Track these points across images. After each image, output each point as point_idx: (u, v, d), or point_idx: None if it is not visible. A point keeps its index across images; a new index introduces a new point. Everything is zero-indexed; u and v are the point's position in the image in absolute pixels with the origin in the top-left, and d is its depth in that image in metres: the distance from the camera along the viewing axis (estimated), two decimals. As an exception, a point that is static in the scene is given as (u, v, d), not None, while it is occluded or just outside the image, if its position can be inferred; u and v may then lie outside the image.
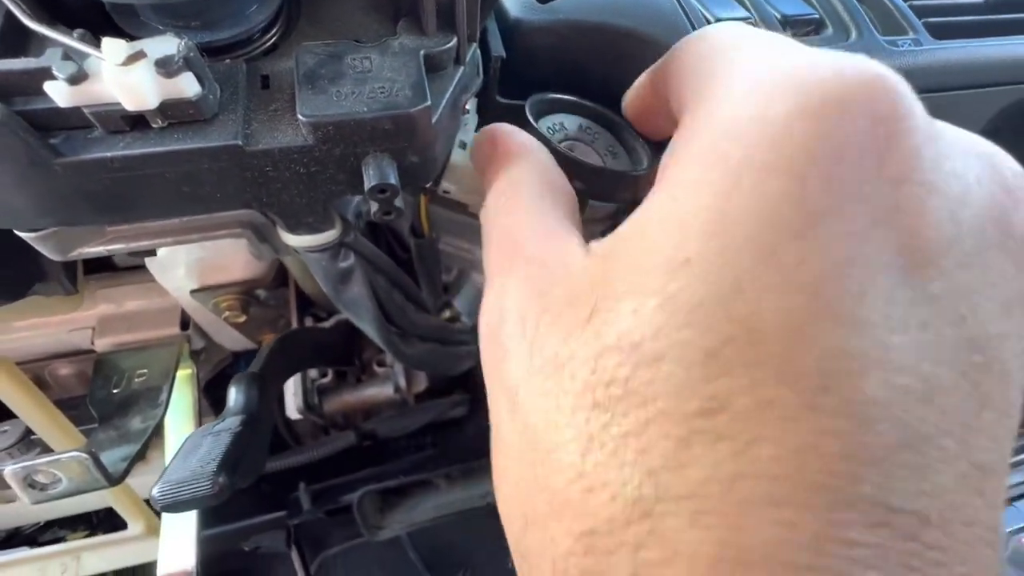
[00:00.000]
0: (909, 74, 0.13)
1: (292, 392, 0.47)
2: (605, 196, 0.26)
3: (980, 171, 0.13)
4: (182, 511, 0.28)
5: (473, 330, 0.40)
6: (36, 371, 0.52)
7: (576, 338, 0.14)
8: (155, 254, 0.37)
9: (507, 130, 0.22)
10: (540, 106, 0.28)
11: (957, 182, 0.13)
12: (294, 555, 0.84)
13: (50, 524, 0.59)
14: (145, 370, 0.48)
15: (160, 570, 0.46)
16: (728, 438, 0.11)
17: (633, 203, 0.26)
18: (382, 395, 0.47)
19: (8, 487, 0.53)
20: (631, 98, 0.24)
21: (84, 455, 0.33)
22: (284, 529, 0.67)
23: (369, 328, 0.27)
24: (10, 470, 0.33)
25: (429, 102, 0.19)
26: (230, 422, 0.28)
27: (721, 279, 0.12)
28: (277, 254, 0.28)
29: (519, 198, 0.19)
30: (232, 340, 0.55)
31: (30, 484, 0.34)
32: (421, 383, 0.49)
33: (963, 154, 0.13)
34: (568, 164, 0.23)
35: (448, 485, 0.62)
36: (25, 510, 0.54)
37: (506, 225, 0.19)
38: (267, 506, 0.63)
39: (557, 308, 0.15)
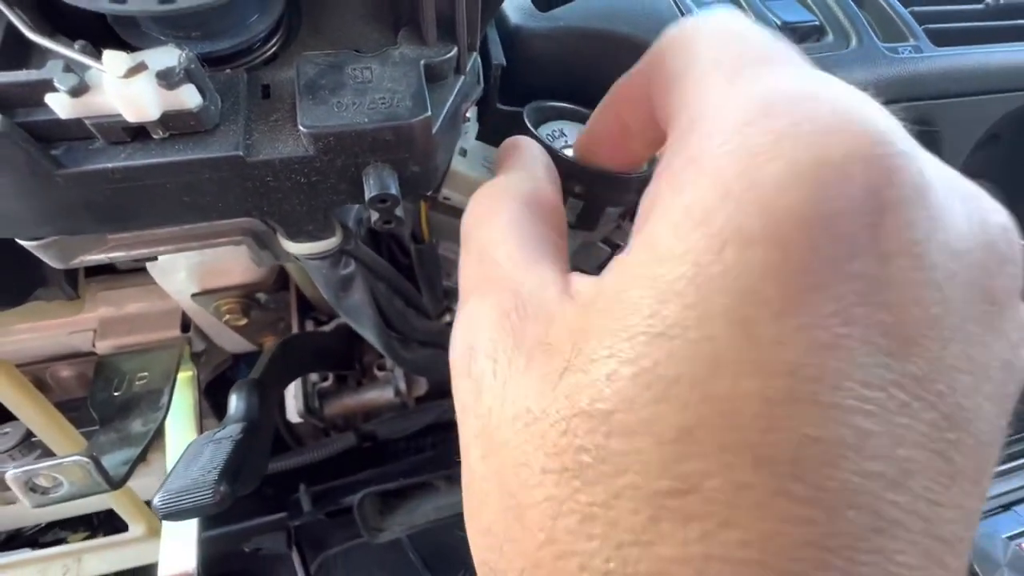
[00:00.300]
0: (909, 81, 0.13)
1: (293, 395, 0.47)
2: (609, 200, 0.26)
3: (968, 231, 0.13)
4: (184, 519, 0.28)
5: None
6: (37, 373, 0.52)
7: (548, 396, 0.13)
8: (156, 259, 0.37)
9: (523, 142, 0.21)
10: (539, 113, 0.28)
11: (946, 250, 0.12)
12: (295, 556, 0.84)
13: (51, 525, 0.59)
14: (146, 372, 0.48)
15: (161, 572, 0.46)
16: (698, 519, 0.11)
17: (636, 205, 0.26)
18: (382, 399, 0.47)
19: (8, 489, 0.53)
20: (593, 133, 0.22)
21: (85, 459, 0.33)
22: (285, 530, 0.68)
23: (370, 334, 0.27)
24: (11, 474, 0.33)
25: (429, 112, 0.19)
26: (231, 429, 0.28)
27: (697, 355, 0.11)
28: (278, 260, 0.28)
29: (501, 209, 0.18)
30: (232, 342, 0.55)
31: (31, 488, 0.34)
32: (421, 387, 0.49)
33: (952, 215, 0.13)
34: (570, 168, 0.23)
35: (448, 487, 0.62)
36: (26, 511, 0.54)
37: (483, 238, 0.18)
38: (268, 508, 0.63)
39: (530, 351, 0.14)
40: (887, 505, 0.11)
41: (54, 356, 0.51)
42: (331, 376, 0.47)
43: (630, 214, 0.29)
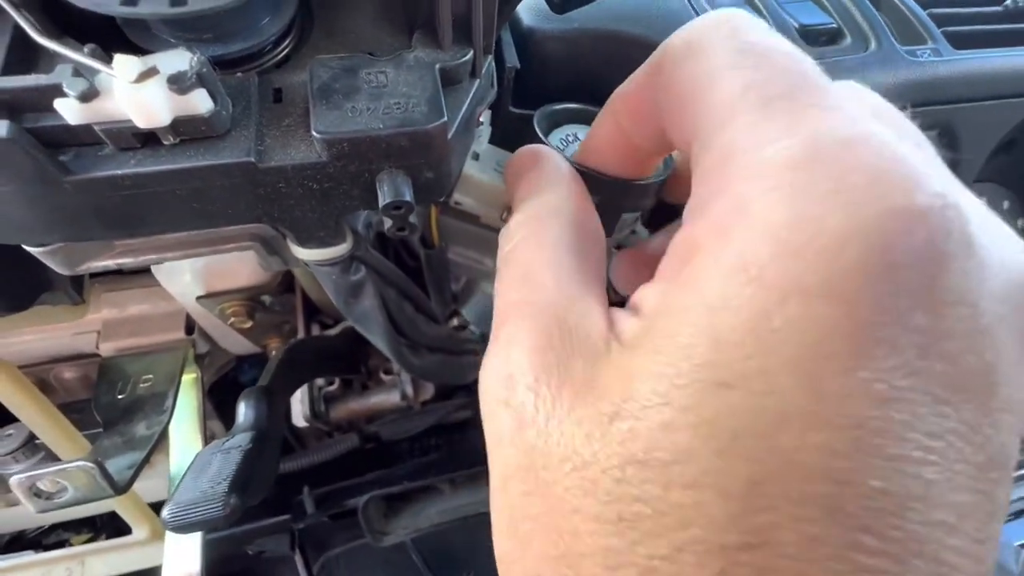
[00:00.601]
0: (929, 85, 0.13)
1: (299, 400, 0.46)
2: (625, 207, 0.25)
3: (1009, 275, 0.13)
4: (193, 532, 0.27)
5: (482, 339, 0.39)
6: (40, 374, 0.52)
7: (598, 440, 0.13)
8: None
9: (548, 153, 0.21)
10: (550, 119, 0.27)
11: (995, 297, 0.12)
12: (297, 558, 0.84)
13: (54, 527, 0.59)
14: (151, 375, 0.47)
15: (165, 574, 0.46)
16: (771, 572, 0.11)
17: (654, 208, 0.26)
18: (389, 402, 0.47)
19: (11, 491, 0.53)
20: (595, 141, 0.22)
21: (90, 465, 0.33)
22: (288, 532, 0.67)
23: (379, 340, 0.27)
24: (15, 480, 0.33)
25: (446, 118, 0.19)
26: (240, 439, 0.27)
27: (762, 408, 0.11)
28: (286, 266, 0.28)
29: (545, 233, 0.18)
30: (237, 345, 0.55)
31: (35, 493, 0.33)
32: (428, 391, 0.49)
33: (996, 260, 0.13)
34: (586, 177, 0.22)
35: (452, 490, 0.62)
36: (29, 514, 0.54)
37: (526, 260, 0.17)
38: (271, 510, 0.63)
39: (576, 388, 0.14)
40: (947, 551, 0.11)
41: (57, 357, 0.51)
42: (337, 380, 0.46)
43: (643, 218, 0.29)
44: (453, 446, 0.74)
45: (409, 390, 0.47)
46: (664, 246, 0.15)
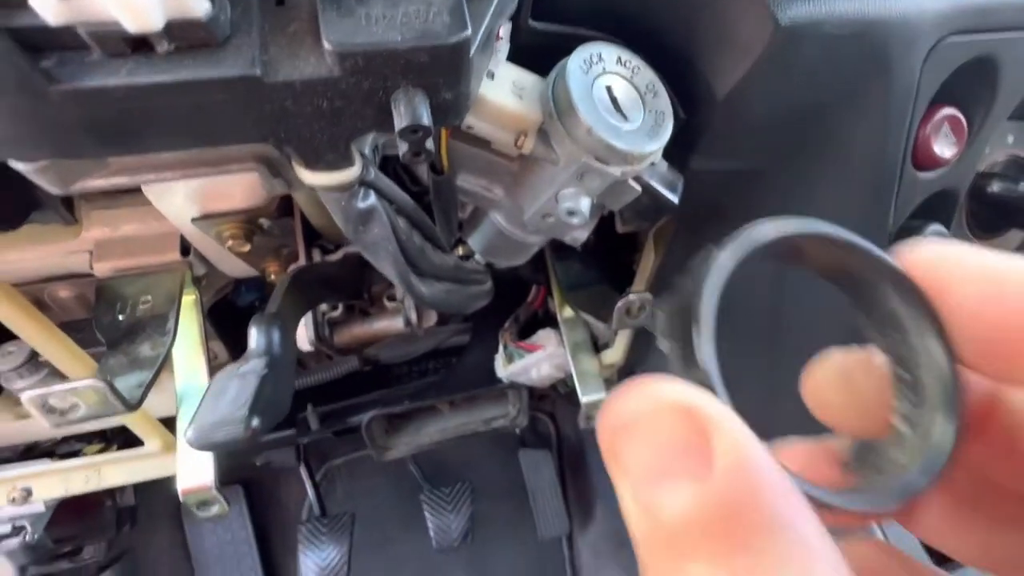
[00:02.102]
0: (977, 12, 0.10)
1: (304, 324, 0.46)
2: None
3: None
4: (216, 451, 0.28)
5: (487, 268, 0.39)
6: (35, 293, 0.51)
7: None
8: (154, 180, 0.34)
9: (726, 418, 0.11)
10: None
11: None
12: (302, 470, 0.89)
13: (66, 438, 0.61)
14: (149, 296, 0.47)
15: (180, 484, 0.48)
16: None
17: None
18: (392, 328, 0.47)
19: (21, 404, 0.54)
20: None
21: (101, 383, 0.33)
22: (294, 446, 0.70)
23: (388, 269, 0.26)
24: (27, 396, 0.33)
25: (469, 31, 0.17)
26: (254, 364, 0.27)
27: None
28: (290, 190, 0.27)
29: None
30: (234, 267, 0.54)
31: (48, 409, 0.34)
32: (431, 318, 0.49)
33: None
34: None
35: (452, 410, 0.64)
36: (41, 425, 0.56)
37: None
38: (277, 426, 0.65)
39: None
40: None
41: (51, 276, 0.50)
42: (340, 305, 0.46)
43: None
44: (451, 369, 0.76)
45: (413, 316, 0.47)
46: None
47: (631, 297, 0.44)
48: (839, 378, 0.15)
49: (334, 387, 0.68)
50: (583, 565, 1.03)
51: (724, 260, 0.12)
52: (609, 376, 0.62)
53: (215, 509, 0.51)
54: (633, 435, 0.11)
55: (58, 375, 0.51)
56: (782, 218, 0.13)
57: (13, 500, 0.49)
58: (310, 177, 0.23)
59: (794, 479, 0.11)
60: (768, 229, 0.13)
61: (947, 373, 0.13)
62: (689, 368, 0.12)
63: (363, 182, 0.24)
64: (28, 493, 0.50)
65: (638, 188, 0.29)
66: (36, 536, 0.51)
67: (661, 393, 0.11)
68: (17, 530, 0.52)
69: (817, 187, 0.34)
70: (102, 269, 0.49)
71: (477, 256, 0.38)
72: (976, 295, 0.13)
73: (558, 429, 1.03)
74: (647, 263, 0.47)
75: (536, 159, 0.28)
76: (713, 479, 0.10)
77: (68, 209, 0.27)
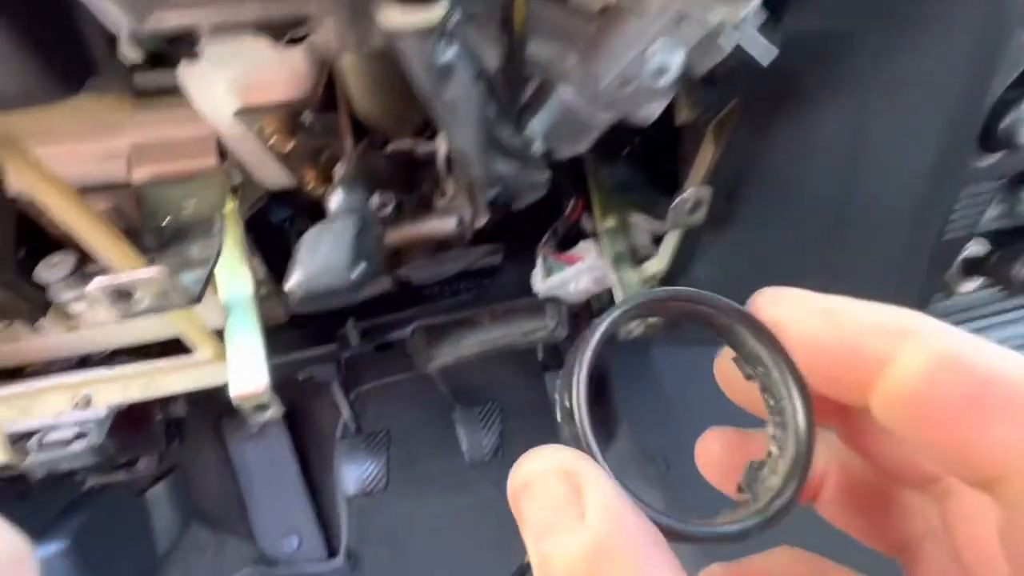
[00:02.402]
0: None
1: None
2: None
3: None
4: (318, 306, 0.27)
5: (546, 156, 0.37)
6: (74, 203, 0.50)
7: None
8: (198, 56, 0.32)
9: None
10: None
11: None
12: (336, 388, 0.91)
13: (113, 355, 0.62)
14: (193, 199, 0.46)
15: (233, 391, 0.50)
16: None
17: None
18: (444, 228, 0.46)
19: (72, 317, 0.55)
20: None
21: (164, 273, 0.33)
22: (335, 361, 0.72)
23: (466, 134, 0.25)
24: (96, 283, 0.33)
25: None
26: (344, 220, 0.27)
27: None
28: (362, 46, 0.25)
29: None
30: (271, 175, 0.52)
31: (115, 297, 0.34)
32: (483, 218, 0.48)
33: None
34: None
35: (491, 323, 0.64)
36: (92, 339, 0.57)
37: None
38: (317, 341, 0.66)
39: None
40: None
41: (89, 185, 0.49)
42: (391, 205, 0.45)
43: None
44: (483, 288, 0.76)
45: (467, 216, 0.46)
46: None
47: (689, 191, 0.42)
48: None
49: (368, 307, 0.69)
50: (609, 477, 1.07)
51: (595, 338, 0.14)
52: (651, 287, 0.62)
53: (270, 412, 0.53)
54: (529, 495, 0.13)
55: (128, 272, 0.51)
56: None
57: (76, 405, 0.50)
58: (398, 16, 0.21)
59: (657, 515, 0.13)
60: (629, 301, 0.15)
61: (799, 402, 0.15)
62: (572, 434, 0.14)
63: (445, 32, 0.23)
64: (88, 400, 0.52)
65: (727, 47, 0.27)
66: (100, 441, 0.53)
67: (548, 458, 0.13)
68: (81, 435, 0.54)
69: (910, 54, 0.32)
70: (140, 174, 0.48)
71: (537, 142, 0.36)
72: (811, 329, 0.14)
73: (583, 351, 1.04)
74: (704, 157, 0.45)
75: (622, 11, 0.26)
76: (585, 528, 0.12)
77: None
